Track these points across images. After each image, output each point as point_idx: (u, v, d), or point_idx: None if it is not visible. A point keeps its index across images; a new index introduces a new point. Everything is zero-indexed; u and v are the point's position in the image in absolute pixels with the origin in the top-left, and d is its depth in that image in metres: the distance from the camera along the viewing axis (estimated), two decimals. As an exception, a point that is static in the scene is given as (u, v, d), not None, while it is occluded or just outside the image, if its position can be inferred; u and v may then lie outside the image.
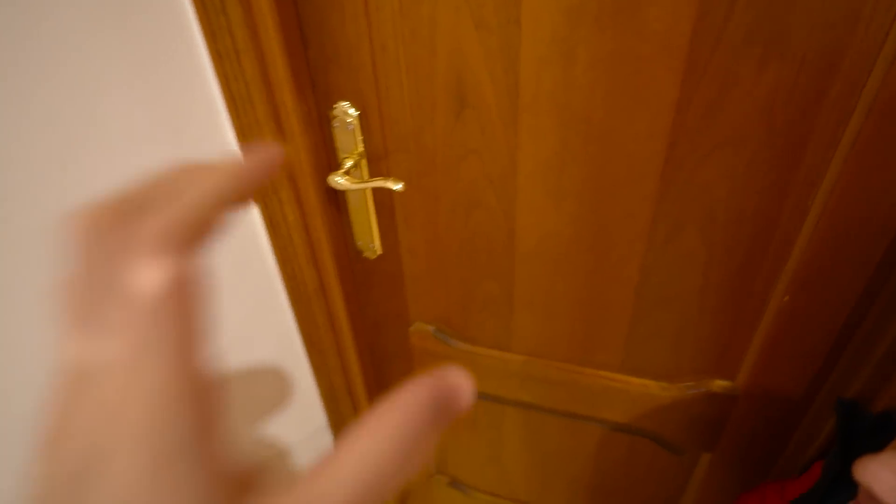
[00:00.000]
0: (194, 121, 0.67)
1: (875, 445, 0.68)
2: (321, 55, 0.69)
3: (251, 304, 0.85)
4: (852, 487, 0.50)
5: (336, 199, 0.83)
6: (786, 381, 0.83)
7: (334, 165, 0.79)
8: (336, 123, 0.73)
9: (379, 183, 0.73)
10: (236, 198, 0.21)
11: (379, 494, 0.19)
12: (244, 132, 0.70)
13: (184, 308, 0.18)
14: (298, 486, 0.18)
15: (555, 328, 0.91)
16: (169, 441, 0.17)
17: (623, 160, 0.67)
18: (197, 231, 0.19)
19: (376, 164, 0.78)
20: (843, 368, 0.78)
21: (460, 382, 0.22)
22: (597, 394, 0.99)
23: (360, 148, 0.75)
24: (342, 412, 1.16)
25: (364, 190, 0.80)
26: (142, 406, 0.17)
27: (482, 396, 1.18)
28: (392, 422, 0.20)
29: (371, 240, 0.87)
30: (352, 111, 0.71)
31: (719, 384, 0.87)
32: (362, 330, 1.07)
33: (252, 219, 0.79)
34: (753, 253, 0.71)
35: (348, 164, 0.74)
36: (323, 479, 0.18)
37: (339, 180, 0.71)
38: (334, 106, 0.72)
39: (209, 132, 0.69)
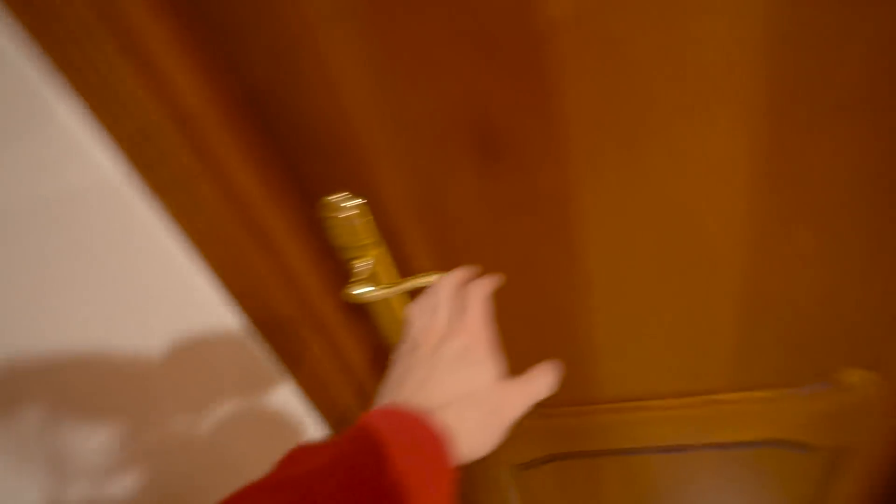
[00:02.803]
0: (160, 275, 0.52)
1: None
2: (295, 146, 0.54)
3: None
4: None
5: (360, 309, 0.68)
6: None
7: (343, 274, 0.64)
8: (333, 225, 0.58)
9: (418, 281, 0.58)
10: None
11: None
12: (224, 268, 0.55)
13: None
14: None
15: (648, 365, 0.77)
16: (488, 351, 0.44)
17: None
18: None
19: (404, 256, 0.63)
20: None
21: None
22: (707, 419, 0.85)
23: (374, 247, 0.60)
24: None
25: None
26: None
27: (568, 456, 1.03)
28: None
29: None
30: (352, 203, 0.57)
31: (856, 374, 0.73)
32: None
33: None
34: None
35: (363, 267, 0.59)
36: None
37: (359, 292, 0.56)
38: (326, 201, 0.57)
39: (179, 280, 0.54)
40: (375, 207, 0.57)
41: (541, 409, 0.89)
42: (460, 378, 0.41)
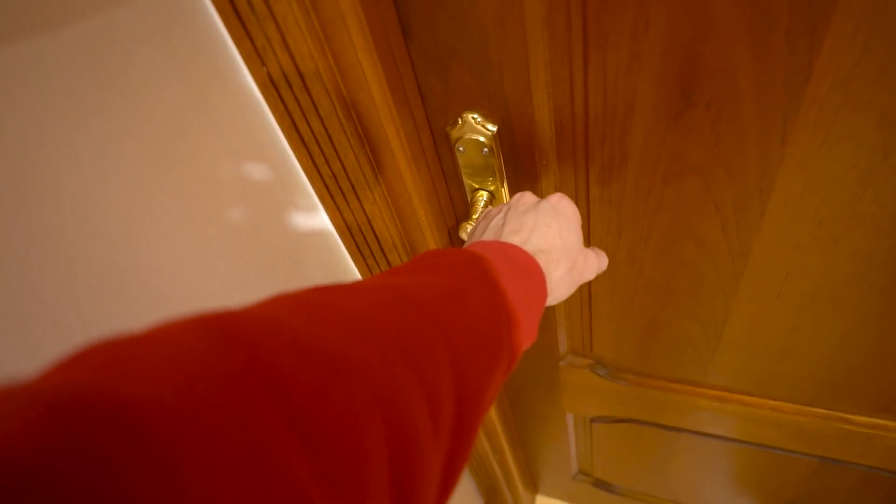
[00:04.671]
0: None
1: None
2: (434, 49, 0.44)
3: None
4: None
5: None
6: None
7: (460, 210, 0.56)
8: (461, 147, 0.49)
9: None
10: None
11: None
12: (325, 178, 0.48)
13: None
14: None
15: (779, 370, 0.66)
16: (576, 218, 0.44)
17: None
18: None
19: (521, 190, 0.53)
20: None
21: None
22: (825, 435, 0.74)
23: (496, 180, 0.50)
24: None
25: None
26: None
27: (646, 424, 0.97)
28: None
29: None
30: (489, 126, 0.47)
31: None
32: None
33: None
34: None
35: (480, 204, 0.50)
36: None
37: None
38: (459, 119, 0.48)
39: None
40: (510, 136, 0.47)
41: (632, 377, 0.81)
42: (552, 231, 0.43)
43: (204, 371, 0.18)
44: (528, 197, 0.45)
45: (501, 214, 0.44)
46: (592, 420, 1.05)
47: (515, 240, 0.41)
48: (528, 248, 0.41)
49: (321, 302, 0.26)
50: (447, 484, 0.27)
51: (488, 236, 0.43)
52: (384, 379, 0.23)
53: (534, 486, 1.54)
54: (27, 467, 0.13)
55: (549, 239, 0.42)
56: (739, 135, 0.41)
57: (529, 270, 0.39)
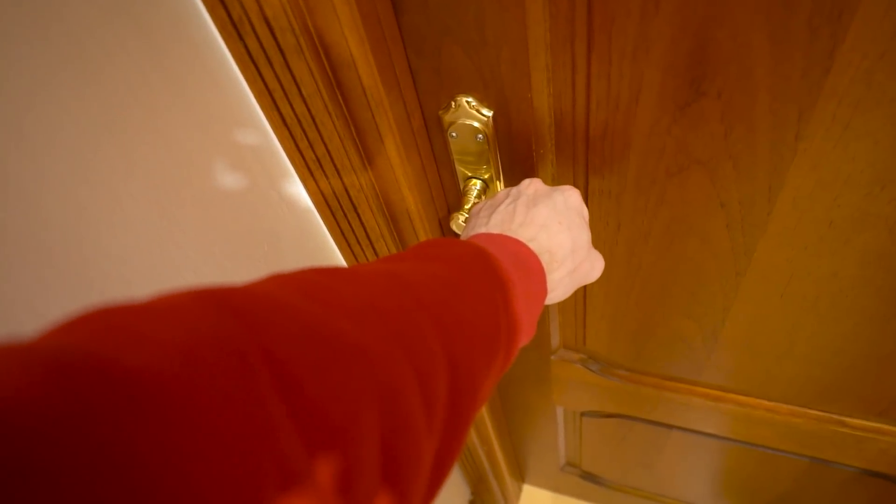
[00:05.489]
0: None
1: None
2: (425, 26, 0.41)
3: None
4: None
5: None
6: None
7: (452, 199, 0.53)
8: (454, 132, 0.46)
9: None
10: None
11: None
12: (309, 164, 0.45)
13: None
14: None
15: (777, 370, 0.64)
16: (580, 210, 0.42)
17: None
18: None
19: (516, 181, 0.51)
20: None
21: None
22: (819, 436, 0.73)
23: (491, 168, 0.48)
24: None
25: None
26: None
27: (636, 420, 0.95)
28: None
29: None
30: (484, 111, 0.44)
31: None
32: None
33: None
34: None
35: (473, 194, 0.48)
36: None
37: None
38: (452, 103, 0.45)
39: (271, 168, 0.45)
40: (507, 122, 0.45)
41: (624, 374, 0.79)
42: (563, 230, 0.41)
43: (204, 343, 0.18)
44: (537, 184, 0.43)
45: (510, 201, 0.42)
46: (583, 414, 1.04)
47: (523, 234, 0.40)
48: (534, 245, 0.39)
49: (322, 284, 0.25)
50: (437, 475, 0.27)
51: (494, 226, 0.41)
52: (381, 365, 0.23)
53: (521, 476, 1.54)
54: (34, 425, 0.13)
55: (559, 240, 0.40)
56: (750, 128, 0.38)
57: (531, 268, 0.38)
